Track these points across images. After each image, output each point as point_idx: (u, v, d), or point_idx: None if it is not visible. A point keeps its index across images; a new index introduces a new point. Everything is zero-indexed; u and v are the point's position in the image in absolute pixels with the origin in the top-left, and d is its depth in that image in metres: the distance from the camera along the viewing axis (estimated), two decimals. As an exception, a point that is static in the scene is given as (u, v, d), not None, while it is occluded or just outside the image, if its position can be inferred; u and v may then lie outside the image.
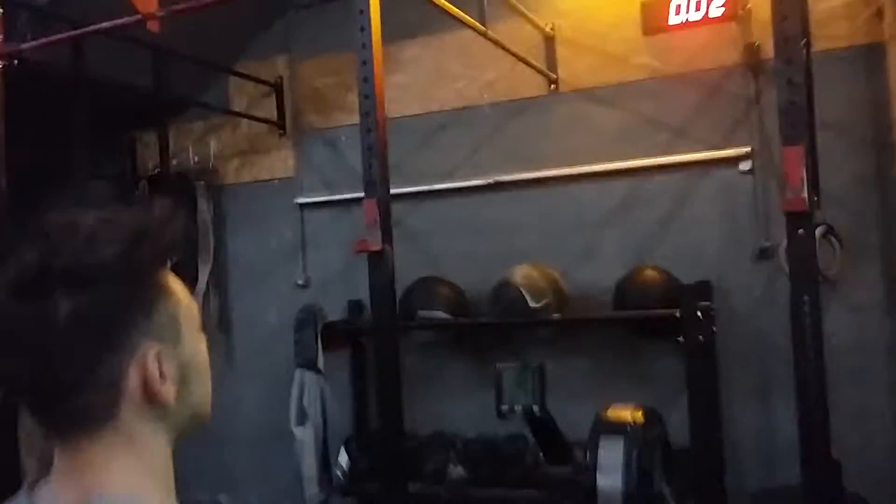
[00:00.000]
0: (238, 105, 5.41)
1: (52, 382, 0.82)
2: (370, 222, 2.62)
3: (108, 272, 0.83)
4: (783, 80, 2.37)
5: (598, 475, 2.12)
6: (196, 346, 0.94)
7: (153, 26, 3.21)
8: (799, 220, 2.32)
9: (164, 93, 4.85)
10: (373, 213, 2.62)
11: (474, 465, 4.20)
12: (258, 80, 5.30)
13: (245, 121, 5.39)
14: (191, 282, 5.32)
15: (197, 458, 5.49)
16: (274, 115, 5.33)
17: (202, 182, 5.42)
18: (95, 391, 0.83)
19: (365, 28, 2.75)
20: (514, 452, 4.22)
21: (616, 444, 2.16)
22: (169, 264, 0.93)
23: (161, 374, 0.86)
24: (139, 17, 3.10)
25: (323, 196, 5.19)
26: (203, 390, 0.95)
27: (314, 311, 4.62)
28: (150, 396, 0.86)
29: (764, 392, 4.02)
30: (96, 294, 0.82)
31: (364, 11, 2.73)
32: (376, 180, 2.67)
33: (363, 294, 4.88)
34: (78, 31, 3.65)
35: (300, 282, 5.22)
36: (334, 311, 4.91)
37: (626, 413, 2.30)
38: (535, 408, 2.20)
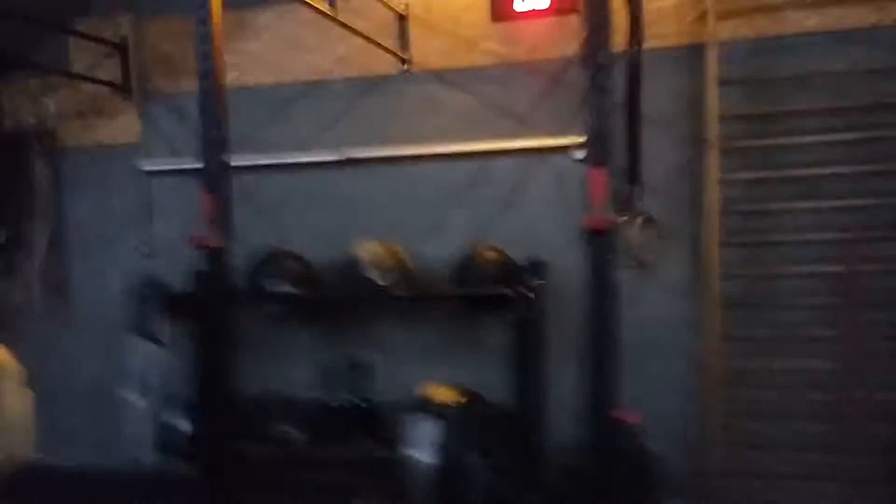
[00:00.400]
0: (79, 66, 5.15)
1: None
2: (209, 218, 2.64)
3: None
4: (593, 108, 2.59)
5: (411, 451, 2.30)
6: None
7: None
8: (600, 236, 2.55)
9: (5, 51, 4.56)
10: (212, 209, 2.64)
11: (313, 428, 4.29)
12: (100, 41, 5.07)
13: (86, 82, 5.15)
14: (27, 245, 5.11)
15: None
16: (118, 77, 5.13)
17: (39, 144, 5.15)
18: None
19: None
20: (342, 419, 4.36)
21: (431, 423, 2.34)
22: None
23: None
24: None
25: (170, 164, 5.06)
26: None
27: (153, 281, 4.55)
28: None
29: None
30: None
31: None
32: (216, 173, 2.69)
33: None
34: None
35: (144, 251, 5.10)
36: (178, 282, 4.85)
37: (445, 393, 2.48)
38: (359, 400, 2.34)
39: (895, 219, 4.04)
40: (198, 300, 4.77)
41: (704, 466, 4.25)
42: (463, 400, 2.47)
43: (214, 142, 2.84)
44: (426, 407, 2.42)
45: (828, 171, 4.07)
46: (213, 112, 2.88)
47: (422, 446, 2.35)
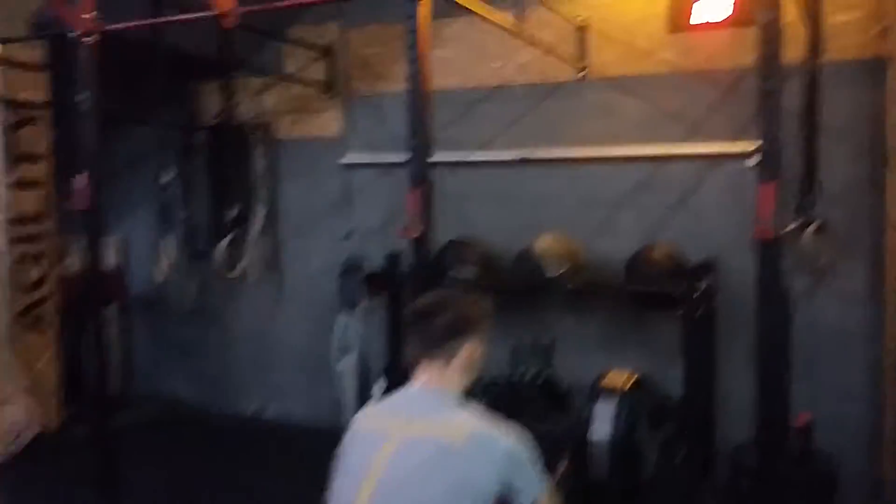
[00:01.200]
0: (291, 68, 5.85)
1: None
2: (413, 211, 3.11)
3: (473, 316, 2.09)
4: (765, 119, 2.78)
5: (592, 428, 2.67)
6: (483, 348, 2.09)
7: (228, 23, 3.63)
8: (768, 246, 2.76)
9: (226, 57, 5.30)
10: (417, 204, 3.10)
11: (495, 401, 4.75)
12: (309, 46, 5.73)
13: (297, 83, 5.83)
14: (246, 225, 5.90)
15: (251, 378, 6.28)
16: (324, 78, 5.78)
17: (258, 136, 5.93)
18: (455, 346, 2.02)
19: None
20: (531, 394, 4.81)
21: (609, 403, 2.69)
22: None
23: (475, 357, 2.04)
24: (218, 12, 3.53)
25: (367, 157, 5.67)
26: (478, 366, 2.10)
27: (357, 262, 5.18)
28: (466, 364, 2.04)
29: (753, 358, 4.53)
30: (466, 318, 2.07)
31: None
32: (421, 171, 3.14)
33: (401, 246, 5.45)
34: (163, 19, 4.09)
35: (344, 236, 5.75)
36: (375, 261, 5.45)
37: (620, 378, 2.82)
38: (542, 376, 2.71)
39: None
40: (391, 278, 5.41)
41: (879, 469, 4.33)
42: (637, 384, 2.80)
43: (420, 142, 3.15)
44: (605, 387, 2.77)
45: None
46: (420, 114, 3.15)
47: (601, 423, 2.71)
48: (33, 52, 5.23)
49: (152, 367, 6.63)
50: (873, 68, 4.26)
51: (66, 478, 4.56)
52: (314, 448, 5.25)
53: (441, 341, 2.00)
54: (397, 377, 5.22)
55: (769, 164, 2.76)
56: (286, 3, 4.52)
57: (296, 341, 6.06)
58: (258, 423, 6.16)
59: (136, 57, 4.64)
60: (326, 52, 5.75)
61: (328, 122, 5.86)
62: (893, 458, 4.25)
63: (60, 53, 4.71)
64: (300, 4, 5.28)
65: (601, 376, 2.88)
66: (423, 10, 3.08)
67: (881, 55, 4.22)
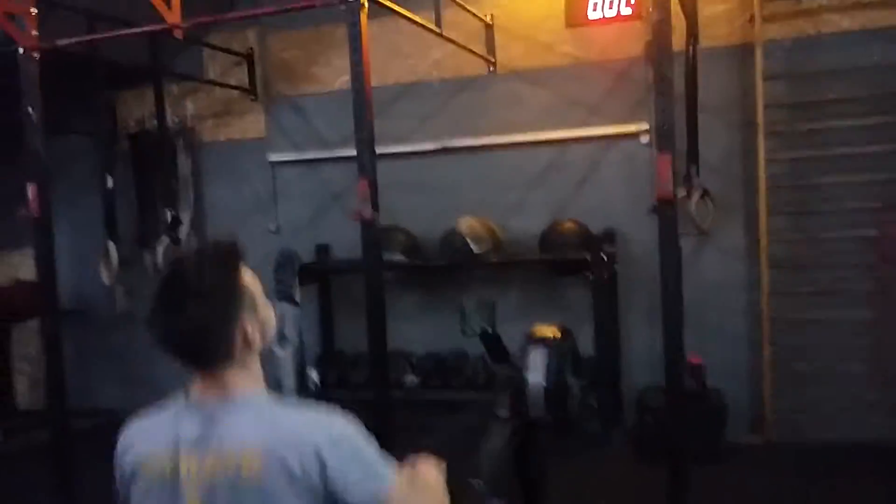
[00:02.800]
0: (213, 73, 6.08)
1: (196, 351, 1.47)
2: (363, 196, 3.48)
3: (217, 289, 1.46)
4: (659, 109, 3.29)
5: (527, 374, 3.11)
6: (264, 310, 1.52)
7: (178, 34, 3.89)
8: (666, 207, 3.28)
9: (156, 66, 5.50)
10: (365, 190, 3.48)
11: (425, 375, 5.23)
12: (231, 52, 5.98)
13: (219, 86, 6.07)
14: (174, 228, 6.07)
15: (180, 378, 6.41)
16: (246, 82, 6.04)
17: (181, 140, 6.13)
18: (222, 348, 1.46)
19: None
20: (456, 365, 5.30)
21: (540, 351, 3.13)
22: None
23: (250, 332, 1.48)
24: (167, 25, 3.78)
25: (291, 155, 5.98)
26: (270, 331, 1.55)
27: (291, 254, 5.48)
28: (248, 343, 1.48)
29: (652, 316, 5.08)
30: (213, 302, 1.44)
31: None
32: (367, 165, 3.52)
33: (328, 238, 5.82)
34: (117, 33, 4.32)
35: (272, 228, 6.04)
36: (303, 254, 5.76)
37: (547, 329, 3.27)
38: (489, 329, 3.10)
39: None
40: (321, 268, 5.74)
41: (759, 403, 4.97)
42: (561, 334, 3.26)
43: (364, 135, 3.51)
44: (534, 338, 3.21)
45: (859, 150, 4.70)
46: (363, 110, 3.49)
47: (534, 369, 3.16)
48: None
49: (83, 380, 6.68)
50: (742, 53, 4.92)
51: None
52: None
53: (200, 344, 1.47)
54: (329, 363, 5.64)
55: (665, 137, 3.27)
56: (234, 15, 4.69)
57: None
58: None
59: (71, 69, 4.79)
60: (247, 57, 6.01)
61: (252, 124, 6.13)
62: (770, 392, 4.92)
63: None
64: (242, 17, 5.48)
65: (531, 329, 3.33)
66: (363, 14, 3.44)
67: (748, 41, 4.88)
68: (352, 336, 5.62)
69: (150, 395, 6.36)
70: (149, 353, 6.23)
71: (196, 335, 1.46)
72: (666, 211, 3.28)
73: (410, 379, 5.26)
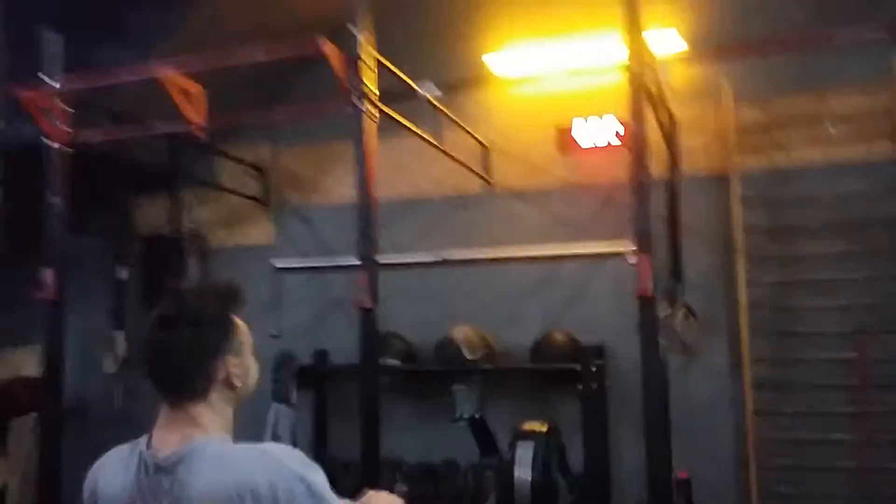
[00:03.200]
0: (226, 180, 6.46)
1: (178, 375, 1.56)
2: (363, 286, 3.72)
3: (211, 318, 1.59)
4: (639, 213, 3.60)
5: (515, 467, 3.24)
6: (249, 358, 1.67)
7: (199, 132, 4.24)
8: (647, 303, 3.53)
9: (174, 170, 5.86)
10: (365, 280, 3.72)
11: (416, 483, 5.28)
12: (246, 164, 6.38)
13: (230, 194, 6.42)
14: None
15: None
16: (258, 191, 6.41)
17: (193, 245, 6.43)
18: (201, 379, 1.56)
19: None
20: (448, 474, 5.36)
21: (528, 446, 3.28)
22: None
23: (233, 372, 1.59)
24: (191, 126, 4.14)
25: (297, 262, 6.26)
26: (252, 382, 1.68)
27: (290, 356, 5.65)
28: (228, 384, 1.59)
29: (641, 431, 5.19)
30: (205, 330, 1.57)
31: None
32: (369, 255, 3.77)
33: (327, 345, 5.99)
34: (143, 133, 4.65)
35: (274, 332, 6.21)
36: (302, 358, 5.93)
37: (535, 426, 3.43)
38: (477, 415, 3.25)
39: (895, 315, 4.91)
40: (319, 372, 5.88)
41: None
42: (548, 430, 3.41)
43: (367, 234, 3.84)
44: (522, 434, 3.36)
45: (835, 276, 4.95)
46: (367, 214, 3.84)
47: (521, 464, 3.29)
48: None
49: (78, 476, 6.66)
50: (719, 180, 5.29)
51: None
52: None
53: (180, 371, 1.55)
54: (321, 466, 5.65)
55: (643, 241, 3.56)
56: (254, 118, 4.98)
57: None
58: None
59: (90, 170, 5.12)
60: (259, 168, 6.41)
61: (261, 231, 6.45)
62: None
63: (14, 163, 5.14)
64: (261, 123, 5.86)
65: (520, 424, 3.49)
66: (370, 126, 3.79)
67: (724, 170, 5.26)
68: (345, 442, 5.67)
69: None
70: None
71: (182, 358, 1.55)
72: (647, 309, 3.51)
73: (399, 488, 5.29)
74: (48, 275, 4.27)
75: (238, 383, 1.61)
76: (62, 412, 4.45)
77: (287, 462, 1.51)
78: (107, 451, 1.70)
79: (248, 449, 1.53)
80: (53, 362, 4.33)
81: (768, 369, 5.07)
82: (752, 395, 5.04)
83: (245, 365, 1.64)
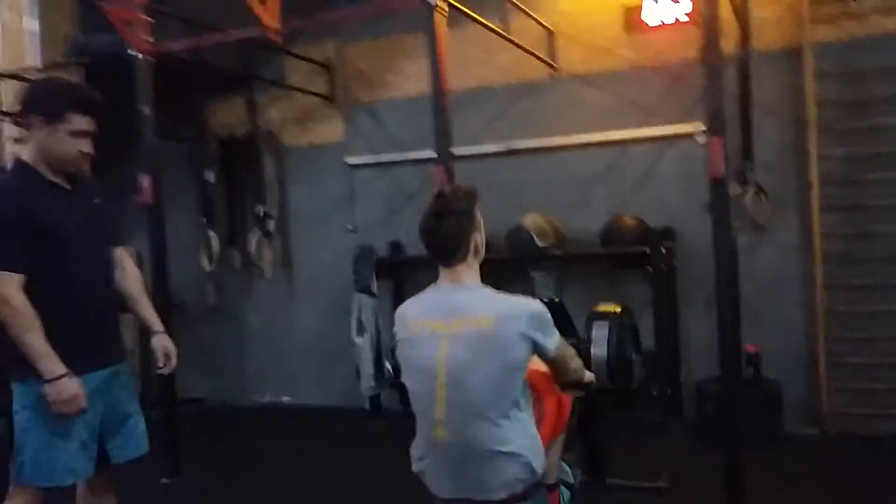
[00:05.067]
0: (295, 80, 6.59)
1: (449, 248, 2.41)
2: (441, 182, 3.88)
3: (464, 210, 2.42)
4: (711, 93, 3.62)
5: (592, 347, 3.45)
6: (483, 233, 2.47)
7: (274, 36, 4.34)
8: (718, 184, 3.60)
9: (247, 72, 5.99)
10: (441, 176, 3.88)
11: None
12: (310, 60, 6.47)
13: (300, 93, 6.56)
14: (260, 227, 6.59)
15: (263, 367, 6.94)
16: (325, 89, 6.53)
17: (267, 144, 6.65)
18: (463, 249, 2.40)
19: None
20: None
21: (603, 326, 3.48)
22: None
23: (478, 243, 2.45)
24: (266, 30, 4.25)
25: (368, 158, 6.44)
26: (483, 249, 2.50)
27: (369, 249, 5.93)
28: (476, 251, 2.44)
29: (710, 310, 5.32)
30: (462, 218, 2.41)
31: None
32: (445, 148, 3.90)
33: (401, 236, 6.23)
34: (218, 39, 4.79)
35: (350, 227, 6.49)
36: (379, 250, 6.19)
37: (609, 307, 3.62)
38: (556, 298, 3.46)
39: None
40: (394, 263, 6.16)
41: (815, 393, 5.15)
42: (622, 311, 3.59)
43: (442, 128, 3.92)
44: (597, 315, 3.56)
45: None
46: (441, 107, 3.93)
47: (597, 343, 3.50)
48: (70, 75, 5.86)
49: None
50: (792, 54, 5.16)
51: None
52: (329, 429, 5.93)
53: (451, 245, 2.35)
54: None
55: (715, 121, 3.60)
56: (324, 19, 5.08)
57: (308, 330, 6.76)
58: (276, 411, 6.78)
59: (167, 77, 5.31)
60: (325, 66, 6.50)
61: (331, 129, 6.61)
62: (826, 384, 5.10)
63: (98, 74, 5.36)
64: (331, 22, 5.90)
65: (595, 306, 3.68)
66: (439, 18, 3.83)
67: (797, 43, 5.12)
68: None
69: (235, 385, 7.03)
70: (235, 346, 6.87)
71: (451, 239, 2.37)
72: (718, 190, 3.60)
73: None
74: (145, 181, 4.55)
75: (482, 250, 2.47)
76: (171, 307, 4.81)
77: (533, 305, 2.37)
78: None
79: (505, 294, 2.38)
80: (158, 262, 4.67)
81: (839, 244, 5.09)
82: (823, 269, 5.10)
83: (483, 238, 2.47)
